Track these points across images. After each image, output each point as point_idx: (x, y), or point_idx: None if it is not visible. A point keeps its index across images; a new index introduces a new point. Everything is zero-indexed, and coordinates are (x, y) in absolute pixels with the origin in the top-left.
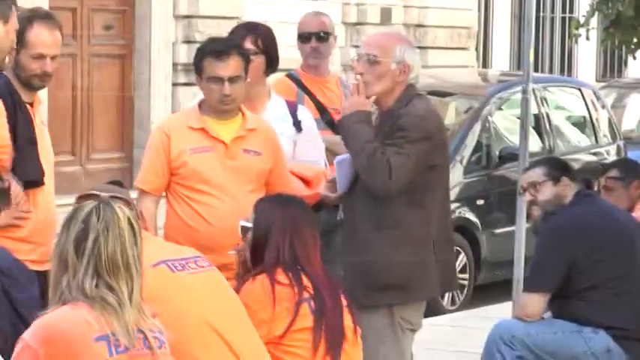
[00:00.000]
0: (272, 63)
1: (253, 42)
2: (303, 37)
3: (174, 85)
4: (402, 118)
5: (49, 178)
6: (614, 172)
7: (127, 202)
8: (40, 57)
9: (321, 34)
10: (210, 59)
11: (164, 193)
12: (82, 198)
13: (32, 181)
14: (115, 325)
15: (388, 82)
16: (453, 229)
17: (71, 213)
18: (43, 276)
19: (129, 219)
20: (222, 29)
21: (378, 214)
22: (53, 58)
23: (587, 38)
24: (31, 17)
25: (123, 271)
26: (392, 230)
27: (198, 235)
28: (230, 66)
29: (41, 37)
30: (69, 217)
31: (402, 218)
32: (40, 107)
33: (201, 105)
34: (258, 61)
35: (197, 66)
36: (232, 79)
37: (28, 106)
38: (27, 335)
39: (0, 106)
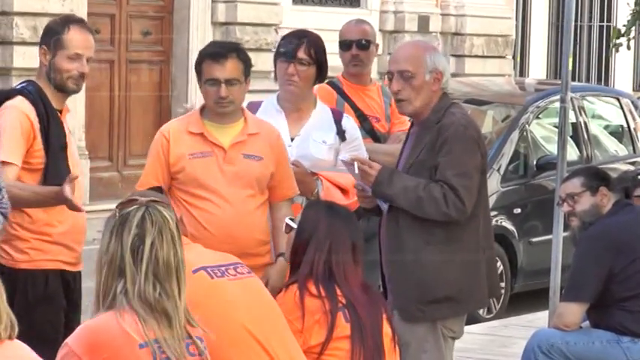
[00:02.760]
0: (322, 72)
1: (307, 52)
2: (344, 45)
3: None
4: (447, 130)
5: (78, 187)
6: None
7: (170, 207)
8: (77, 57)
9: (363, 42)
10: (208, 62)
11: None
12: (125, 204)
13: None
14: (166, 332)
15: (426, 93)
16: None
17: (121, 218)
18: (72, 277)
19: (176, 223)
20: (260, 36)
21: (428, 228)
22: (88, 60)
23: (629, 48)
24: (66, 22)
25: (175, 275)
26: (444, 245)
27: (195, 241)
28: (227, 68)
29: (77, 37)
30: (120, 222)
31: (454, 233)
32: (68, 116)
33: (202, 109)
34: (311, 71)
35: (197, 69)
36: (229, 81)
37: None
38: (71, 341)
39: (32, 112)
